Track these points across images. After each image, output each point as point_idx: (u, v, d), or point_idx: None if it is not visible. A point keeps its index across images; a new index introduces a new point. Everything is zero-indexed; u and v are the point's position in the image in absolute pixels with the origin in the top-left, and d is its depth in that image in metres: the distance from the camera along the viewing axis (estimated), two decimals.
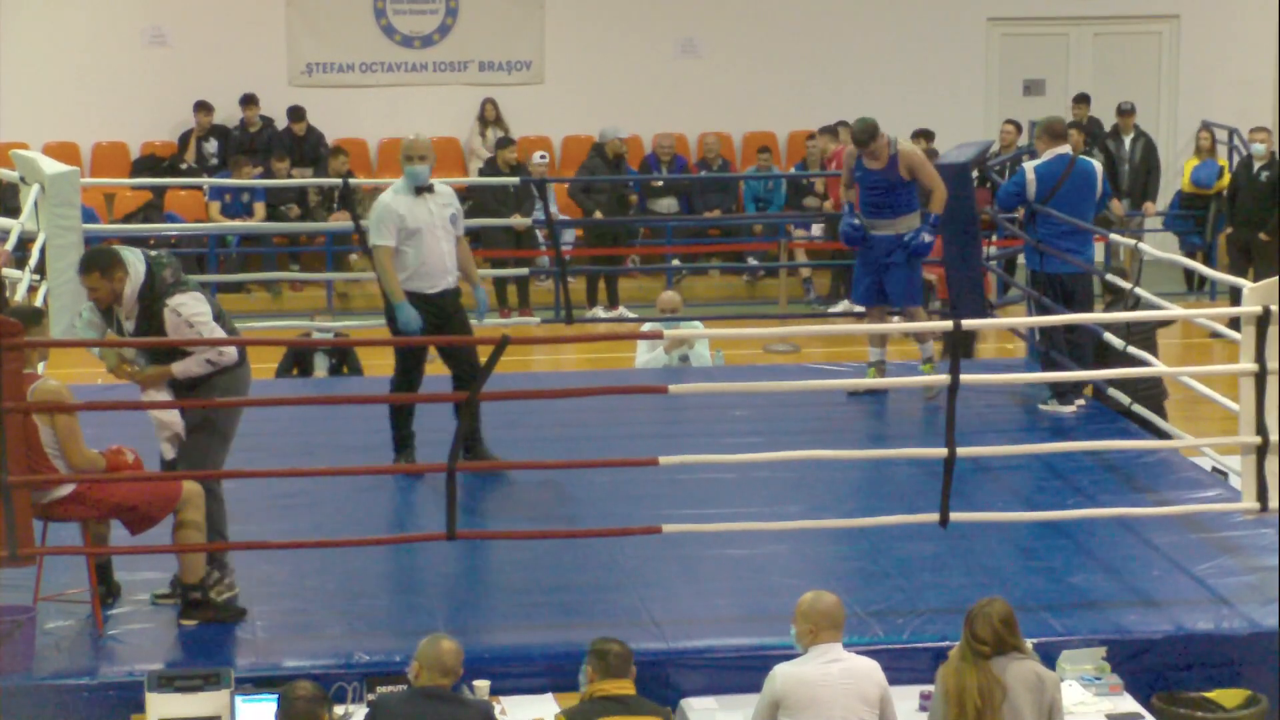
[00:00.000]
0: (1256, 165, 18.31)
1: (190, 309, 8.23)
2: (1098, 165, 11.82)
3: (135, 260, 8.29)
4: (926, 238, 11.53)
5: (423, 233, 10.06)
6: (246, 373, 8.50)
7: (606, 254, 18.80)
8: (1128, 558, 9.09)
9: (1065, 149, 11.69)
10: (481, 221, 17.93)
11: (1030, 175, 11.56)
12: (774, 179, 19.71)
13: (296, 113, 19.94)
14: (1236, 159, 19.75)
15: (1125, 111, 20.03)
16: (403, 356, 10.33)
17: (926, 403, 11.50)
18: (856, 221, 11.63)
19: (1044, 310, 11.46)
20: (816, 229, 19.40)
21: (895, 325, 11.68)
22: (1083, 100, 19.95)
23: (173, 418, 8.37)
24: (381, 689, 7.44)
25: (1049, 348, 11.64)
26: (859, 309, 12.72)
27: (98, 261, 8.30)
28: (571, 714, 6.80)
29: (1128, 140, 19.95)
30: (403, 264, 10.06)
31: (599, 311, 18.24)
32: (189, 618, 8.22)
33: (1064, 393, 11.50)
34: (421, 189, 10.10)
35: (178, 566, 8.35)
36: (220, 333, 8.28)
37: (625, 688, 6.78)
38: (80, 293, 11.15)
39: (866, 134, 11.46)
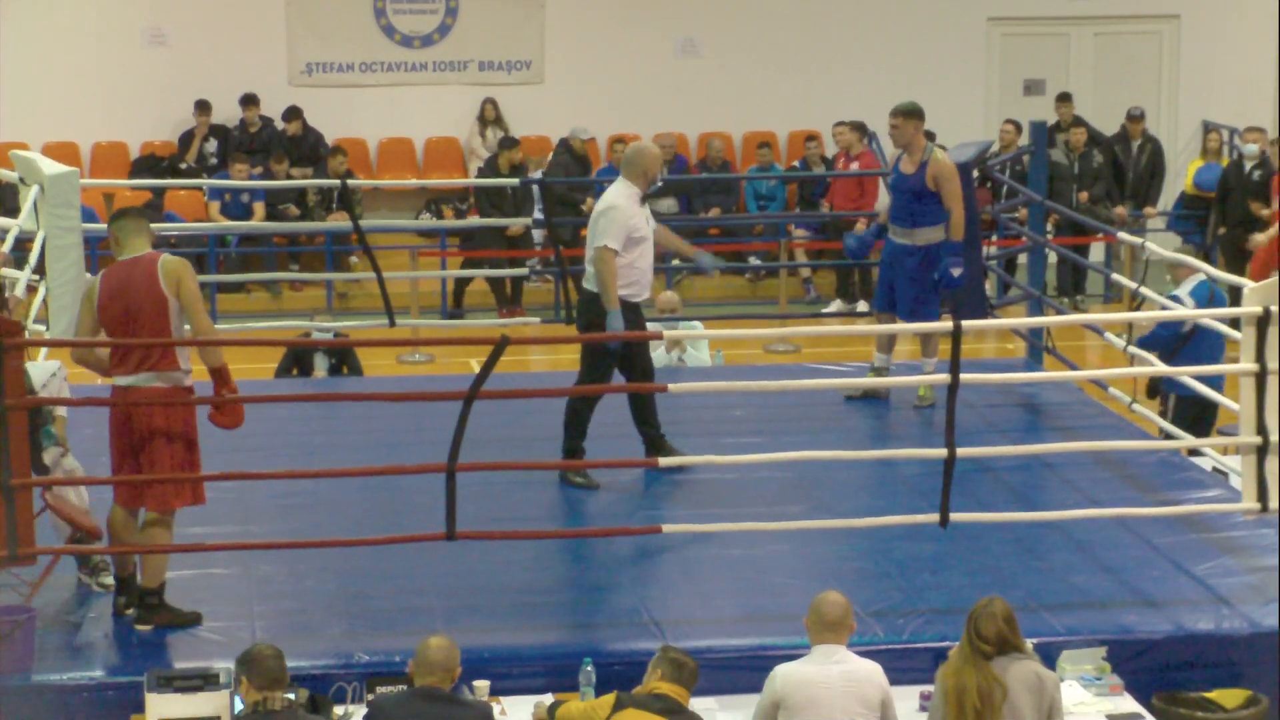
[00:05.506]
0: (1248, 165, 18.29)
1: None
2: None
3: None
4: (955, 271, 11.24)
5: (646, 241, 10.05)
6: None
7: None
8: (1128, 558, 9.08)
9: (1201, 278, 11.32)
10: (482, 222, 17.94)
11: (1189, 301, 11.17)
12: (776, 178, 19.68)
13: (291, 113, 19.93)
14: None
15: (1135, 117, 19.96)
16: (595, 360, 10.08)
17: (917, 408, 11.48)
18: (853, 244, 11.62)
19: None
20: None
21: (893, 327, 11.64)
22: (1066, 99, 19.93)
23: None
24: (381, 689, 7.42)
25: None
26: (858, 309, 12.71)
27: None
28: (623, 695, 6.90)
29: (1135, 145, 19.92)
30: (622, 271, 9.93)
31: None
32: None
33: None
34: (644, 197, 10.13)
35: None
36: None
37: (680, 694, 6.88)
38: (79, 292, 11.15)
39: (905, 108, 11.39)
